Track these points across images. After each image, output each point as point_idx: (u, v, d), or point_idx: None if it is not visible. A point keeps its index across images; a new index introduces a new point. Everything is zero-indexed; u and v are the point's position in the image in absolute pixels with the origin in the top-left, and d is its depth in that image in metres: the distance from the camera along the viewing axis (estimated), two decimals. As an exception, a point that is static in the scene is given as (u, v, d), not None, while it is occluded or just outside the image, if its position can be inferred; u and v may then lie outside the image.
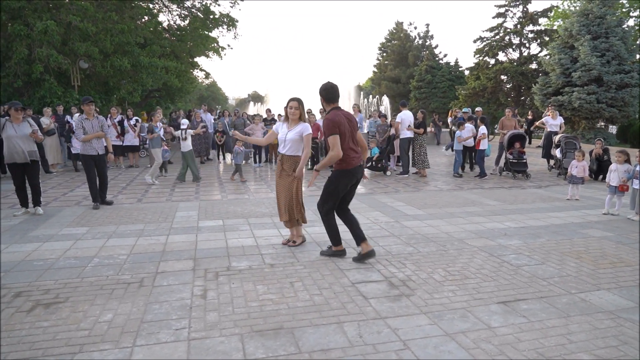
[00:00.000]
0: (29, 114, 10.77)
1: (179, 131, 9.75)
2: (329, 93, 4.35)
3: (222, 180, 10.20)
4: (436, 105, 37.09)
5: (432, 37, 45.78)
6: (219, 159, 14.39)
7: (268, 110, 14.95)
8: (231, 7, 24.15)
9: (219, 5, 22.07)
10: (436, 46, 45.15)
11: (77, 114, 11.59)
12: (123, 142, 12.37)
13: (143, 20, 17.37)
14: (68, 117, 12.24)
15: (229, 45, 24.82)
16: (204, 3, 21.64)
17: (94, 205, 7.01)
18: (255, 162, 13.03)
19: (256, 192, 8.57)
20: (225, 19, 22.02)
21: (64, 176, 10.72)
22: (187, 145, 9.55)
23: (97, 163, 7.03)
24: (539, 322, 3.15)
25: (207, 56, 24.73)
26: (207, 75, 37.76)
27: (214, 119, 14.58)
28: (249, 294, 3.64)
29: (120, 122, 12.22)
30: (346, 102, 31.86)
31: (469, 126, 10.84)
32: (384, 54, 48.85)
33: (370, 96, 38.60)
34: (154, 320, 3.18)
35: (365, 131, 13.73)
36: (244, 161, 10.56)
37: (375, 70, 50.04)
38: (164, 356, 2.70)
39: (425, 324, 3.12)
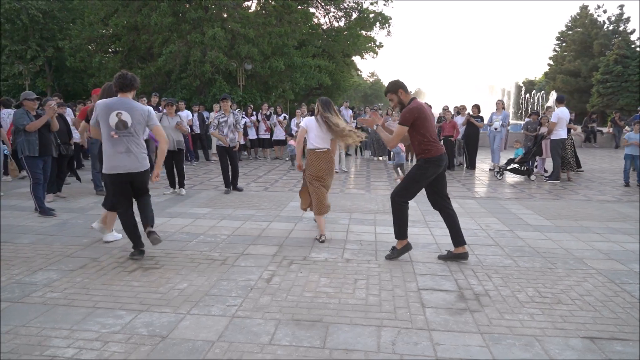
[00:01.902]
0: (195, 109, 12.66)
1: None
2: (404, 84, 4.33)
3: (348, 174, 10.43)
4: (625, 102, 31.39)
5: (627, 20, 38.68)
6: (355, 154, 14.73)
7: (426, 104, 14.50)
8: (384, 4, 24.28)
9: (375, 4, 22.31)
10: (632, 31, 38.02)
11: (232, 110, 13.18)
12: (271, 136, 13.58)
13: (299, 23, 18.62)
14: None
15: (380, 43, 24.99)
16: (360, 2, 22.25)
17: (225, 190, 7.92)
18: (389, 158, 12.94)
19: (375, 189, 8.54)
20: (379, 17, 22.24)
21: (216, 164, 12.25)
22: None
23: (230, 154, 7.90)
24: (627, 369, 2.50)
25: (362, 56, 25.36)
26: (364, 74, 38.71)
27: (351, 115, 14.95)
28: (309, 285, 3.70)
29: (268, 117, 13.43)
30: (491, 99, 29.06)
31: None
32: (563, 44, 43.17)
33: (534, 91, 34.50)
34: (216, 294, 3.49)
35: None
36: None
37: (551, 63, 44.57)
38: (205, 327, 2.96)
39: (475, 344, 2.76)
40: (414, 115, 4.11)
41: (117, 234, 4.92)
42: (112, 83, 4.37)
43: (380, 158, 13.63)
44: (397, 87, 4.27)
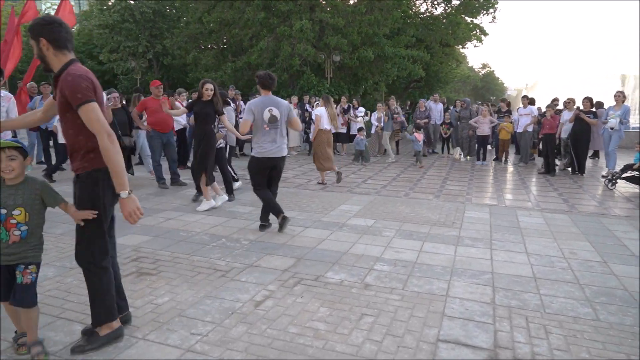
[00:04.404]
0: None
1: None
2: (58, 34, 2.39)
3: (428, 176, 9.38)
4: None
5: None
6: (447, 152, 13.43)
7: (524, 98, 12.24)
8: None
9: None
10: None
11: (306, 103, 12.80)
12: (348, 130, 12.91)
13: (391, 10, 17.53)
14: (307, 106, 13.58)
15: (485, 31, 22.59)
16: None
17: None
18: (478, 159, 11.48)
19: (449, 194, 7.44)
20: (483, 2, 20.19)
21: (296, 158, 11.94)
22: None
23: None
24: None
25: (463, 45, 23.37)
26: (475, 65, 36.03)
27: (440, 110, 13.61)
28: (302, 316, 3.03)
29: (346, 110, 12.78)
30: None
31: None
32: None
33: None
34: (189, 316, 3.00)
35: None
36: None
37: None
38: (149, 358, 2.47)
39: None
40: (92, 88, 2.38)
41: (212, 202, 6.06)
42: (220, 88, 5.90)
43: (469, 157, 12.17)
44: (40, 31, 2.35)
